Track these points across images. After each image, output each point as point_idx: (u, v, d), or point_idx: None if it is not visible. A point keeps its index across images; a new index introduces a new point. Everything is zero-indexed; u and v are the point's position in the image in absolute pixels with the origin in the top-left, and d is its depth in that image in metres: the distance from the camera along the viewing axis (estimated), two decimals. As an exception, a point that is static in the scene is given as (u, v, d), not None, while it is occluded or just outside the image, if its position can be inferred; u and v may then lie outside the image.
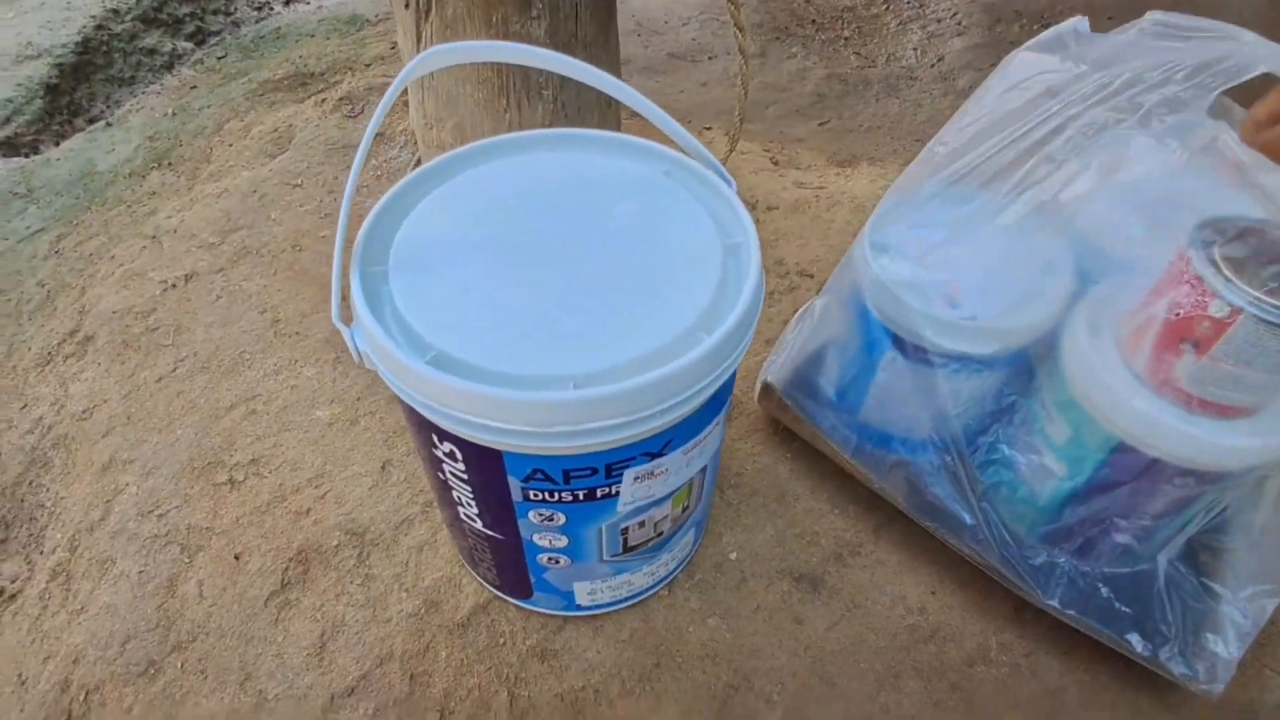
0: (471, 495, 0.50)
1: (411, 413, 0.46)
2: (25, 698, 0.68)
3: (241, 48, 1.64)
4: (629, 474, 0.46)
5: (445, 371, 0.39)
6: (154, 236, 1.03)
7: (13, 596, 0.78)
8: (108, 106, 1.79)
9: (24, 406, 0.92)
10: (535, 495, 0.47)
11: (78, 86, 1.82)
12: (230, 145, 1.20)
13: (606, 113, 0.87)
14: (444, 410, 0.41)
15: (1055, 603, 0.57)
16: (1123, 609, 0.56)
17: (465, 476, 0.48)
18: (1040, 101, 0.56)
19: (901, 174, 0.62)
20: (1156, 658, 0.55)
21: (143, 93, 1.72)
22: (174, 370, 0.85)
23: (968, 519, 0.58)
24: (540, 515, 0.50)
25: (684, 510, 0.56)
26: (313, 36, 1.57)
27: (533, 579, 0.59)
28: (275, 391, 0.81)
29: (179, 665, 0.65)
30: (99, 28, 1.87)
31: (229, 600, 0.67)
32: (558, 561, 0.55)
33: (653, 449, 0.45)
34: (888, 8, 1.47)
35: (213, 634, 0.66)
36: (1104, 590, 0.56)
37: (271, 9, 2.05)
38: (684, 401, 0.41)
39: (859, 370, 0.64)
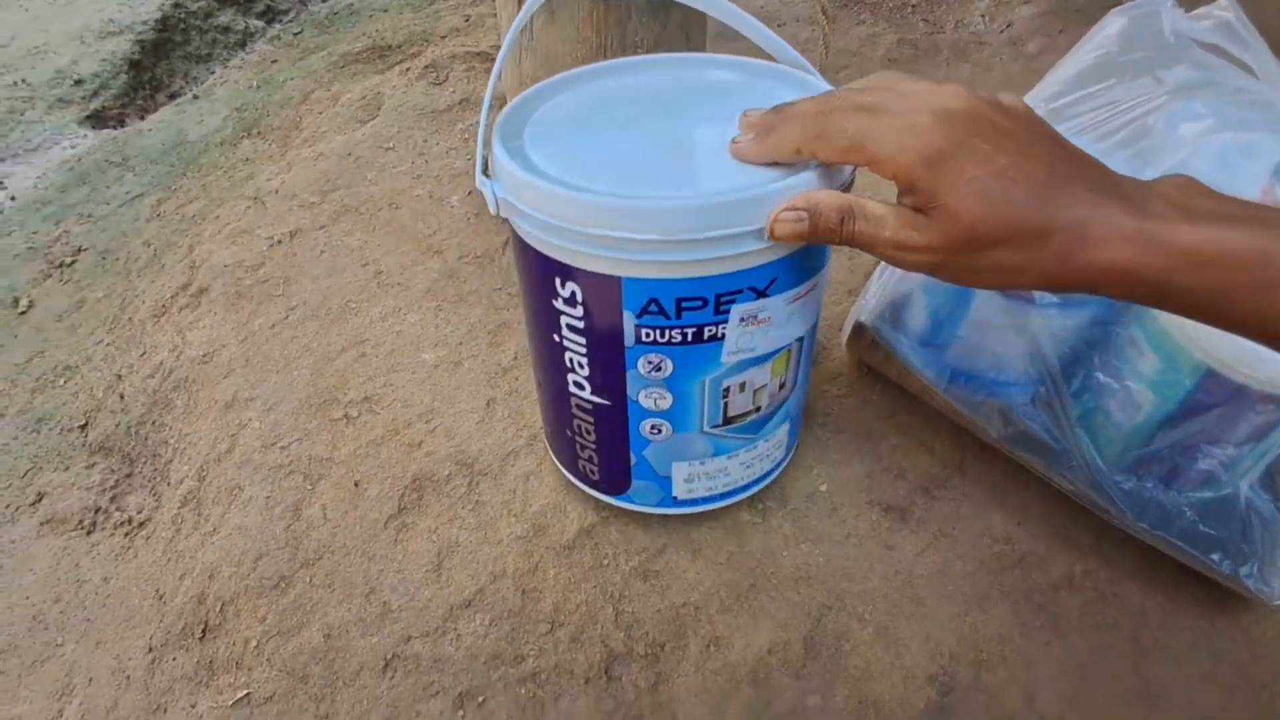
0: (585, 352, 0.54)
1: (534, 263, 0.51)
2: (164, 609, 0.75)
3: (316, 24, 1.69)
4: (735, 312, 0.49)
5: (574, 190, 0.45)
6: (256, 198, 1.09)
7: (142, 524, 0.85)
8: (188, 82, 1.87)
9: (143, 354, 0.99)
10: (647, 336, 0.51)
11: (158, 62, 1.91)
12: (320, 113, 1.25)
13: (692, 72, 0.90)
14: (571, 228, 0.45)
15: (1145, 524, 0.59)
16: (1206, 531, 0.58)
17: (581, 324, 0.52)
18: (1128, 72, 0.59)
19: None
20: (1236, 576, 0.57)
21: (221, 68, 1.80)
22: (286, 318, 0.90)
23: (1061, 447, 0.61)
24: (649, 364, 0.53)
25: (781, 386, 0.58)
26: (386, 11, 1.62)
27: (633, 459, 0.61)
28: (382, 337, 0.86)
29: (308, 579, 0.71)
30: (176, 5, 1.95)
31: (351, 522, 0.73)
32: (659, 431, 0.58)
33: (759, 284, 0.48)
34: (954, -25, 1.47)
35: (338, 552, 0.71)
36: (1189, 513, 0.59)
37: (338, -13, 2.11)
38: None
39: (952, 308, 0.66)
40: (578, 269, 0.48)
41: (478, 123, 1.16)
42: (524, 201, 0.48)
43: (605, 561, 0.68)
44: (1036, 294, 0.60)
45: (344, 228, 1.00)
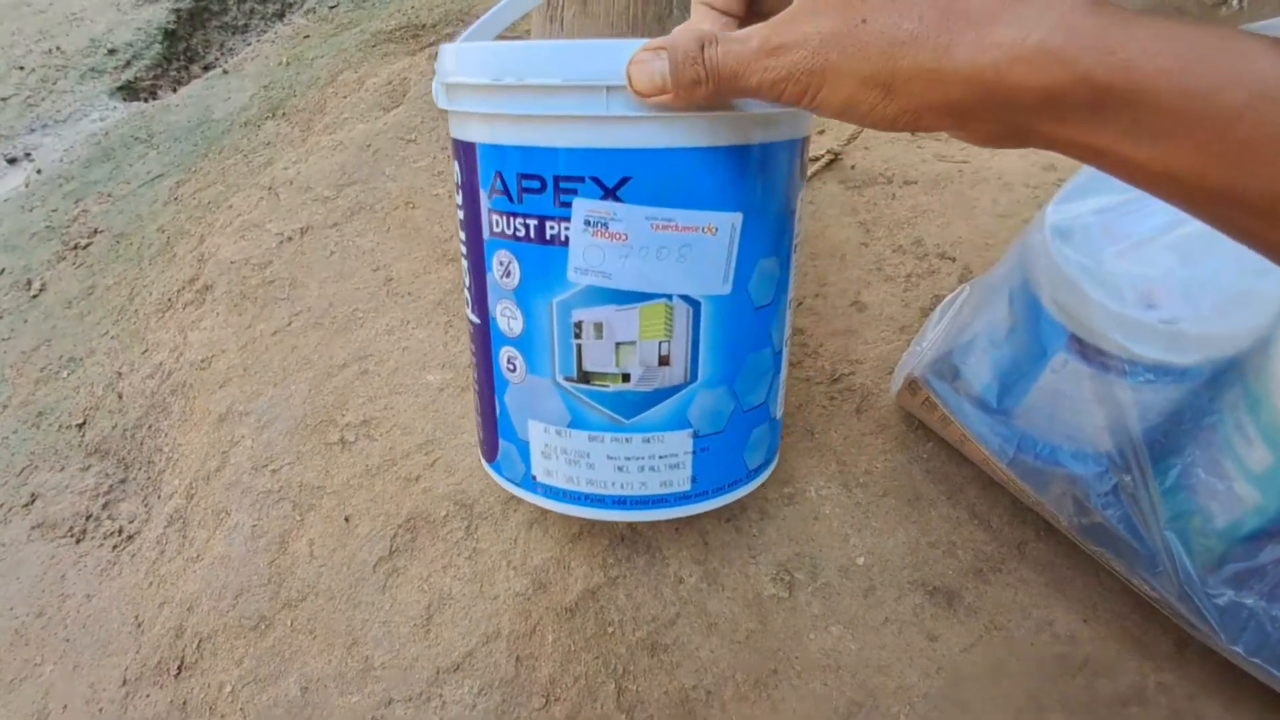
0: (465, 254, 0.53)
1: (458, 149, 0.50)
2: (141, 639, 0.70)
3: (352, -3, 1.63)
4: (579, 207, 0.44)
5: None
6: (270, 188, 1.03)
7: (130, 537, 0.81)
8: (222, 53, 1.83)
9: (145, 351, 0.94)
10: (497, 226, 0.48)
11: (194, 32, 1.86)
12: (345, 97, 1.19)
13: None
14: (443, 81, 0.47)
15: (1239, 648, 0.50)
16: (1322, 663, 0.49)
17: (461, 216, 0.52)
18: None
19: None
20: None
21: (256, 40, 1.74)
22: (289, 324, 0.85)
23: (1145, 548, 0.52)
24: (500, 266, 0.49)
25: (662, 361, 0.48)
26: (422, -13, 1.54)
27: (498, 405, 0.55)
28: (387, 352, 0.80)
29: (289, 623, 0.65)
30: (215, -25, 1.90)
31: (338, 562, 0.67)
32: (514, 368, 0.52)
33: (604, 176, 0.43)
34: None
35: (322, 595, 0.66)
36: (1300, 641, 0.49)
37: (379, -42, 2.04)
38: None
39: (1022, 371, 0.57)
40: (456, 140, 0.49)
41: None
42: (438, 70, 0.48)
43: (610, 629, 0.61)
44: (1123, 362, 0.51)
45: (357, 227, 0.93)
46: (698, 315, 0.47)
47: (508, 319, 0.51)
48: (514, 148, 0.45)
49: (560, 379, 0.50)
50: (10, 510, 0.87)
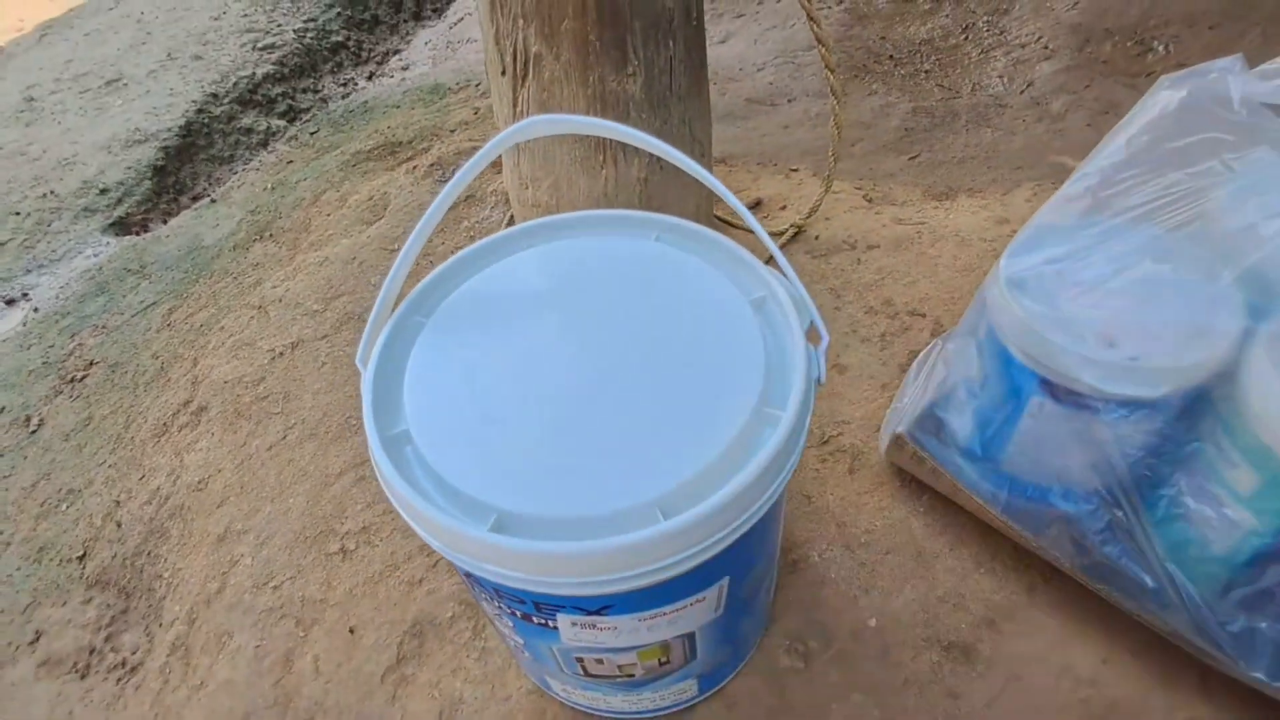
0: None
1: None
2: (149, 776, 0.68)
3: (332, 122, 1.71)
4: (563, 618, 0.42)
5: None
6: (260, 306, 1.06)
7: (134, 669, 0.79)
8: (210, 184, 1.90)
9: (142, 477, 0.95)
10: (480, 593, 0.45)
11: (182, 167, 1.94)
12: (328, 215, 1.24)
13: (701, 162, 0.85)
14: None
15: (1260, 674, 0.50)
16: (1344, 683, 0.49)
17: None
18: (1194, 134, 0.52)
19: (1042, 207, 0.58)
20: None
21: (242, 169, 1.82)
22: (284, 438, 0.86)
23: (1149, 582, 0.52)
24: (491, 609, 0.47)
25: (662, 664, 0.49)
26: (398, 107, 1.63)
27: (512, 649, 0.55)
28: (382, 457, 0.81)
29: (298, 744, 0.64)
30: (200, 111, 2.00)
31: (344, 676, 0.66)
32: (523, 653, 0.51)
33: (586, 606, 0.41)
34: (967, 37, 1.43)
35: (330, 712, 0.64)
36: (1319, 662, 0.49)
37: (356, 85, 2.16)
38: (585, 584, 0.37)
39: (1002, 418, 0.59)
40: None
41: (483, 220, 1.13)
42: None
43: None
44: (1095, 401, 0.52)
45: (346, 337, 0.96)
46: (693, 636, 0.48)
47: (510, 638, 0.49)
48: (484, 578, 0.40)
49: (567, 673, 0.51)
50: (16, 649, 0.85)
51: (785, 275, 0.47)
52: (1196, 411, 0.53)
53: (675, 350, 0.45)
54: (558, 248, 0.53)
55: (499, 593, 0.42)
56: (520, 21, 0.71)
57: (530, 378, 0.44)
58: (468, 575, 0.43)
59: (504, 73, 0.77)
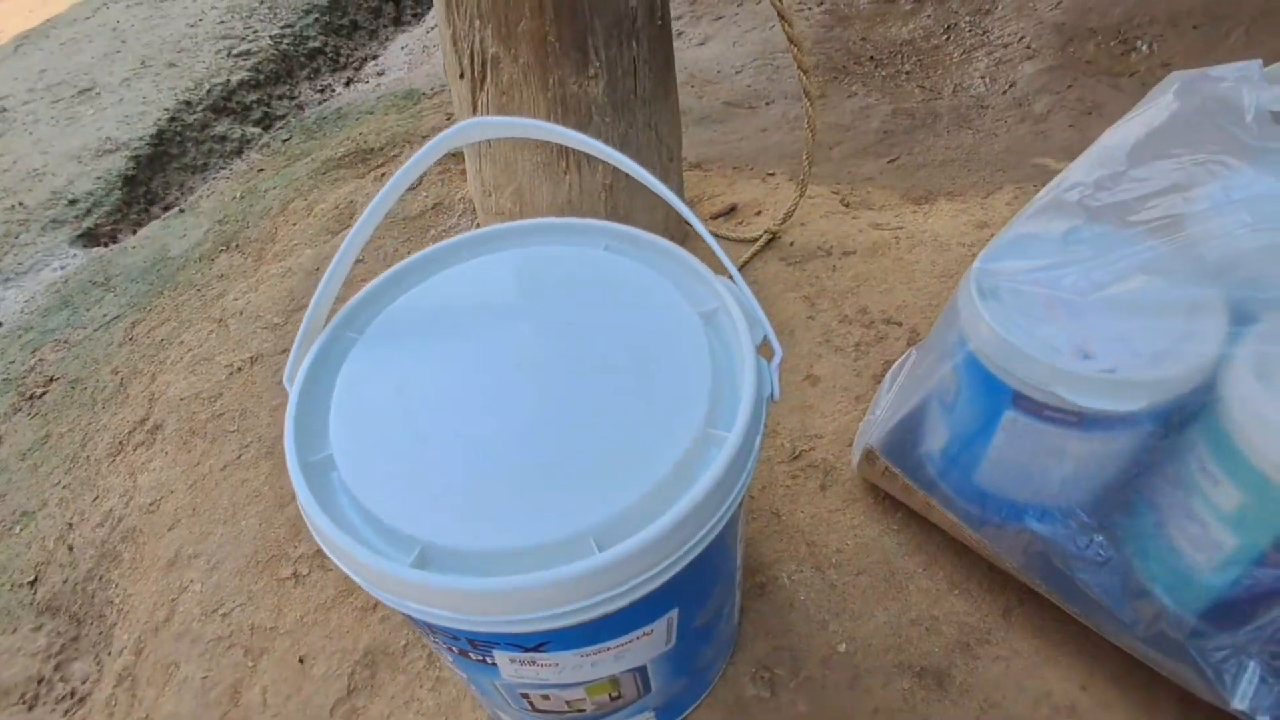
0: None
1: None
2: (89, 816, 0.65)
3: (305, 129, 1.68)
4: (500, 654, 0.39)
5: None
6: (220, 320, 1.03)
7: (81, 700, 0.76)
8: (182, 193, 1.86)
9: (95, 498, 0.91)
10: (414, 625, 0.42)
11: (154, 176, 1.91)
12: (294, 224, 1.21)
13: (668, 167, 0.83)
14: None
15: (1244, 708, 0.47)
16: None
17: None
18: (1196, 151, 0.49)
19: (1020, 213, 0.56)
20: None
21: (214, 178, 1.79)
22: (239, 457, 0.82)
23: (1128, 605, 0.50)
24: (430, 642, 0.44)
25: (613, 698, 0.47)
26: (371, 113, 1.60)
27: (462, 682, 0.53)
28: (339, 476, 0.78)
29: (243, 782, 0.60)
30: (173, 119, 1.97)
31: (293, 710, 0.63)
32: (470, 686, 0.48)
33: (524, 643, 0.38)
34: (949, 38, 1.41)
35: (278, 747, 0.61)
36: (1308, 691, 0.47)
37: (333, 90, 2.13)
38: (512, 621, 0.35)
39: (973, 432, 0.56)
40: None
41: (450, 228, 1.10)
42: None
43: (585, 752, 0.57)
44: (1069, 415, 0.50)
45: (307, 351, 0.93)
46: (645, 670, 0.45)
47: (453, 669, 0.47)
48: (413, 614, 0.37)
49: (514, 708, 0.48)
50: (-43, 683, 0.81)
51: (738, 285, 0.44)
52: (1176, 426, 0.50)
53: (620, 367, 0.42)
54: (501, 258, 0.50)
55: (431, 629, 0.39)
56: (477, 22, 0.68)
57: (465, 396, 0.41)
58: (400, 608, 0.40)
59: (462, 75, 0.74)
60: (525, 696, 0.45)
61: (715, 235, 0.91)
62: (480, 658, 0.41)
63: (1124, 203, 0.50)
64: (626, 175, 0.78)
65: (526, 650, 0.39)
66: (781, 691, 0.57)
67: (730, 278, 0.45)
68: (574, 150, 0.75)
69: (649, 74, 0.74)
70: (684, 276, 0.47)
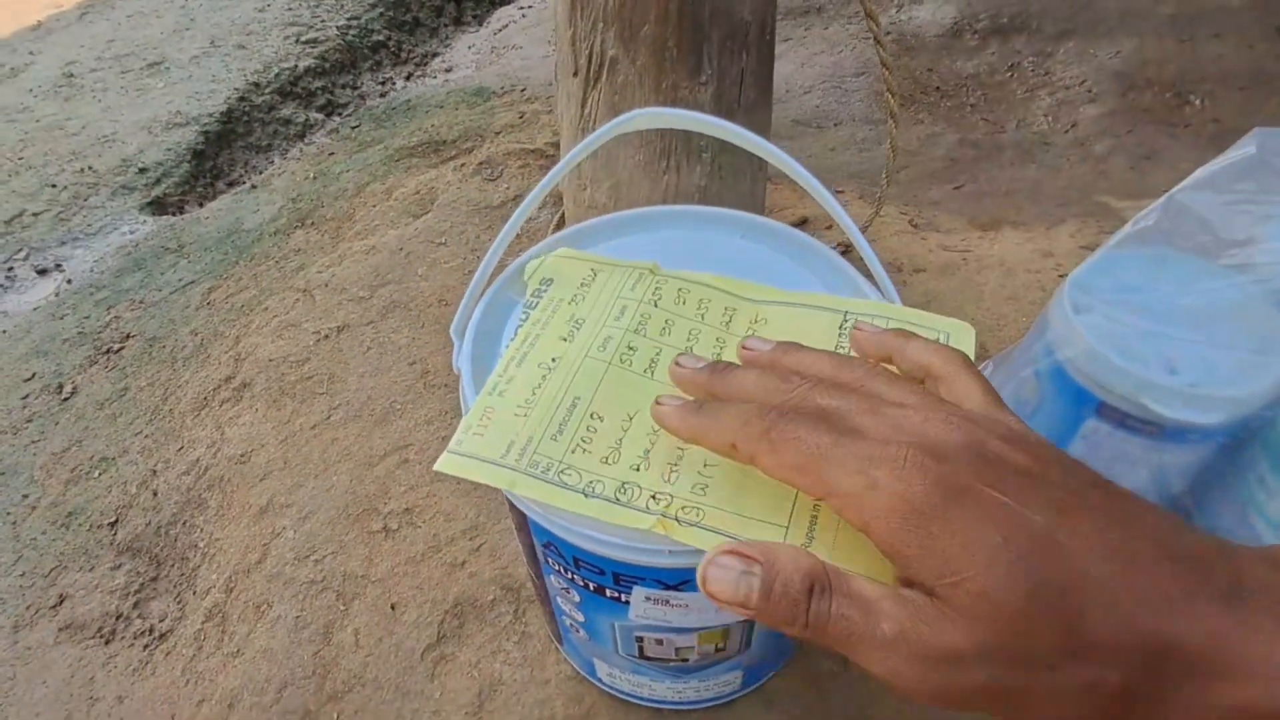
0: (521, 545, 0.51)
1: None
2: (178, 741, 0.68)
3: (374, 118, 1.74)
4: (639, 591, 0.43)
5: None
6: (305, 290, 1.07)
7: (163, 636, 0.80)
8: (247, 171, 1.92)
9: (180, 448, 0.95)
10: (554, 563, 0.45)
11: (220, 152, 1.97)
12: (373, 206, 1.26)
13: (757, 175, 0.87)
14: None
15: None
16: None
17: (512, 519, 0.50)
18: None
19: (1112, 237, 0.60)
20: None
21: (280, 159, 1.84)
22: (328, 418, 0.87)
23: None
24: (559, 583, 0.48)
25: (718, 649, 0.51)
26: (441, 108, 1.65)
27: (562, 633, 0.57)
28: (426, 442, 0.82)
29: (334, 716, 0.64)
30: (241, 99, 2.03)
31: (385, 651, 0.66)
32: (578, 632, 0.53)
33: (667, 580, 0.41)
34: (1012, 75, 1.46)
35: (369, 685, 0.65)
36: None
37: (394, 84, 2.19)
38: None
39: (1053, 439, 0.60)
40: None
41: (531, 218, 1.15)
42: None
43: (665, 711, 0.61)
44: (1151, 426, 0.54)
45: (392, 324, 0.97)
46: (753, 625, 0.48)
47: (569, 612, 0.50)
48: (568, 542, 0.40)
49: (622, 654, 0.52)
50: (38, 613, 0.85)
51: (885, 290, 0.48)
52: (1240, 440, 0.54)
53: None
54: (639, 241, 0.55)
55: (577, 562, 0.43)
56: (600, 25, 0.73)
57: None
58: (546, 545, 0.44)
59: (576, 73, 0.79)
60: (639, 640, 0.49)
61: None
62: (616, 594, 0.44)
63: (1208, 240, 0.54)
64: (720, 177, 0.83)
65: (666, 588, 0.42)
66: (854, 666, 0.61)
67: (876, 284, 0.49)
68: (675, 151, 0.79)
69: (753, 85, 0.78)
70: (829, 273, 0.51)
